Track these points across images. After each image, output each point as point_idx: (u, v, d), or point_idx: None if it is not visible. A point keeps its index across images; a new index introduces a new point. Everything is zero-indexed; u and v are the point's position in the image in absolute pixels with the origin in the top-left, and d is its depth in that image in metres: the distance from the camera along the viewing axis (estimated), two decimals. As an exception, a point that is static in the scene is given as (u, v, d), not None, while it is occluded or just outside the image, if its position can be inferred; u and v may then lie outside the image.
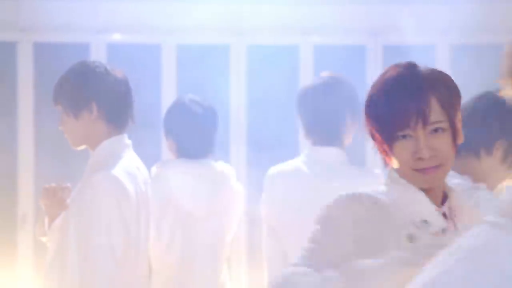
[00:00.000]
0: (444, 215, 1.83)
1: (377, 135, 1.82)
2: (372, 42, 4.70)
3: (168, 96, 4.62)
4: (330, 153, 3.05)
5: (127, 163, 2.76)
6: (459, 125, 1.86)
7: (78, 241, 2.61)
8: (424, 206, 1.80)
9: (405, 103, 1.77)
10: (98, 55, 4.57)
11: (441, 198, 1.87)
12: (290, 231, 3.00)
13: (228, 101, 4.63)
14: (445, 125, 1.79)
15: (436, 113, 1.78)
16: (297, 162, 3.10)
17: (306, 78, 4.30)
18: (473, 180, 2.38)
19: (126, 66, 3.39)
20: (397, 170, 1.84)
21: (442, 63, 4.68)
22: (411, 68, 1.86)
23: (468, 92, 2.54)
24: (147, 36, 4.71)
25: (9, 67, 4.66)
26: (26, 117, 4.66)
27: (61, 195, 2.76)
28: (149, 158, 3.16)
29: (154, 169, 3.34)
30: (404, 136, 1.77)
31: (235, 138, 4.69)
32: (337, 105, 3.05)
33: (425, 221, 1.78)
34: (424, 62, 4.69)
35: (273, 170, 3.15)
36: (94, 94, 2.77)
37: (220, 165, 3.41)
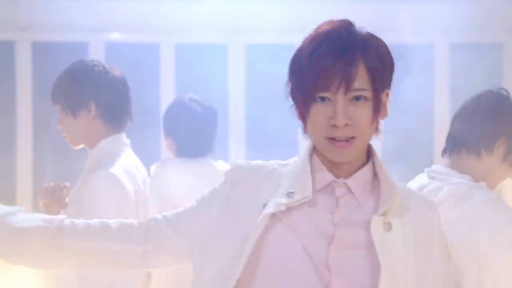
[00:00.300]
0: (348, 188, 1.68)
1: (297, 95, 1.67)
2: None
3: (167, 95, 4.61)
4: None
5: (125, 162, 2.76)
6: (385, 99, 1.69)
7: (77, 240, 2.61)
8: (302, 181, 1.67)
9: (331, 62, 1.61)
10: (96, 54, 4.56)
11: (359, 167, 1.71)
12: None
13: (227, 100, 4.63)
14: (368, 94, 1.63)
15: (361, 79, 1.62)
16: (297, 161, 3.09)
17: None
18: (474, 179, 2.38)
19: (125, 65, 3.39)
20: (314, 141, 1.70)
21: (441, 62, 4.68)
22: (346, 26, 1.67)
23: (467, 91, 2.54)
24: (146, 35, 4.71)
25: (8, 66, 4.66)
26: (25, 116, 4.65)
27: (59, 194, 2.76)
28: (149, 157, 3.15)
29: (153, 168, 3.34)
30: (322, 99, 1.62)
31: (234, 137, 4.68)
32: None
33: (292, 193, 1.66)
34: (423, 61, 4.70)
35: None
36: (92, 93, 2.76)
37: (219, 164, 3.40)
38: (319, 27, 1.67)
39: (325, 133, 1.63)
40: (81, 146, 2.82)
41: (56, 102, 2.79)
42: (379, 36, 1.72)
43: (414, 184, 2.49)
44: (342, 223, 1.64)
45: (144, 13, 4.65)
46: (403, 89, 4.51)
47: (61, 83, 2.79)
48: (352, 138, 1.63)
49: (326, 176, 1.68)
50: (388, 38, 5.23)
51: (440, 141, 2.52)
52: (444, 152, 2.47)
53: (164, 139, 3.52)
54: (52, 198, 2.76)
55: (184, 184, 3.24)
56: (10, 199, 4.64)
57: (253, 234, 1.61)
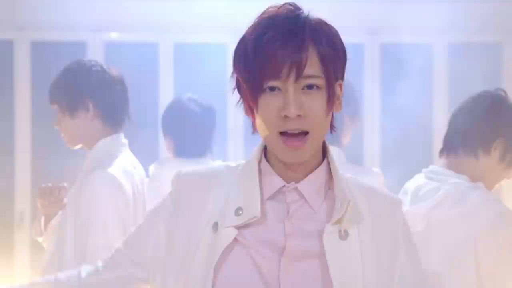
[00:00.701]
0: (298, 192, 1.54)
1: (243, 86, 1.51)
2: (370, 41, 4.70)
3: (165, 95, 4.61)
4: (329, 152, 3.04)
5: (123, 162, 2.75)
6: (338, 91, 1.55)
7: (75, 240, 2.61)
8: (250, 192, 1.53)
9: (278, 47, 1.46)
10: (95, 54, 4.56)
11: (314, 168, 1.56)
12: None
13: (225, 100, 4.62)
14: (321, 82, 1.48)
15: (313, 66, 1.47)
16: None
17: (304, 77, 4.29)
18: (471, 179, 2.38)
19: (124, 64, 3.38)
20: (264, 140, 1.54)
21: (439, 62, 4.68)
22: (293, 9, 1.52)
23: (465, 91, 2.53)
24: (145, 34, 4.70)
25: (6, 65, 4.65)
26: (23, 116, 4.65)
27: (57, 195, 2.75)
28: (147, 157, 3.15)
29: (151, 168, 3.34)
30: (272, 89, 1.47)
31: (233, 137, 4.68)
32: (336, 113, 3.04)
33: (240, 209, 1.51)
34: (421, 61, 4.69)
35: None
36: (90, 93, 2.76)
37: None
38: (263, 13, 1.53)
39: (276, 126, 1.48)
40: (79, 146, 2.81)
41: (54, 102, 2.79)
42: (332, 26, 1.55)
43: (411, 184, 2.49)
44: (293, 233, 1.50)
45: (143, 12, 4.65)
46: (401, 89, 4.51)
47: (59, 83, 2.79)
48: (306, 134, 1.48)
49: (275, 182, 1.54)
50: (387, 38, 5.24)
51: (439, 141, 2.52)
52: (441, 152, 2.47)
53: (163, 139, 3.52)
54: (50, 199, 2.76)
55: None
56: (8, 200, 4.64)
57: (210, 263, 1.49)
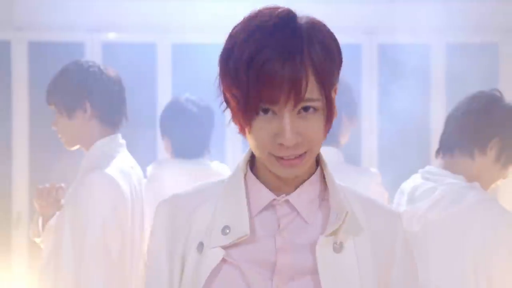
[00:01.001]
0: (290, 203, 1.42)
1: (232, 101, 1.36)
2: (368, 41, 4.70)
3: (163, 95, 4.61)
4: (327, 152, 3.02)
5: (121, 162, 2.75)
6: (334, 100, 1.40)
7: (72, 241, 2.61)
8: (237, 208, 1.41)
9: (277, 69, 1.29)
10: (93, 54, 4.56)
11: (307, 177, 1.44)
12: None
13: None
14: (318, 104, 1.33)
15: (311, 89, 1.32)
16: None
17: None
18: (467, 179, 2.38)
19: (121, 65, 3.39)
20: (256, 154, 1.40)
21: (437, 62, 4.68)
22: (288, 18, 1.34)
23: (463, 92, 2.54)
24: (143, 35, 4.70)
25: (4, 66, 4.65)
26: (20, 116, 4.65)
27: (55, 195, 2.75)
28: (145, 158, 3.15)
29: (149, 168, 3.34)
30: (265, 111, 1.32)
31: (231, 138, 4.68)
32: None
33: (227, 228, 1.39)
34: (419, 61, 4.69)
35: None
36: (87, 94, 2.76)
37: (216, 165, 3.40)
38: (253, 18, 1.36)
39: (272, 151, 1.35)
40: (76, 147, 2.81)
41: (51, 103, 2.79)
42: (321, 23, 1.39)
43: (408, 184, 2.50)
44: (285, 248, 1.38)
45: (141, 13, 4.65)
46: (399, 89, 4.51)
47: (56, 84, 2.79)
48: (303, 154, 1.35)
49: (264, 195, 1.41)
50: (384, 38, 5.25)
51: (436, 142, 2.53)
52: (437, 153, 2.47)
53: (161, 140, 3.52)
54: (48, 200, 2.76)
55: (180, 184, 3.23)
56: (6, 200, 4.64)
57: (196, 287, 1.39)
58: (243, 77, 1.31)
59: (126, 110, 2.85)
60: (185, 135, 3.35)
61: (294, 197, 1.41)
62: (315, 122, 1.34)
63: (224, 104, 1.41)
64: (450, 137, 2.44)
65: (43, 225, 2.79)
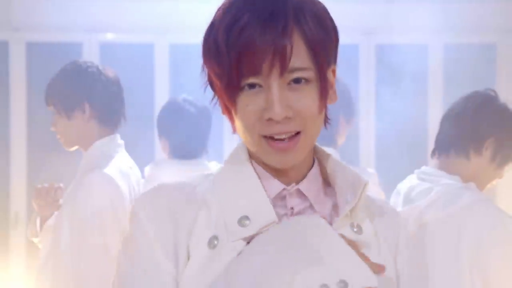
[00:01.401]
0: (301, 193, 1.31)
1: (216, 81, 1.25)
2: (365, 42, 4.70)
3: (161, 96, 4.61)
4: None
5: (120, 162, 2.76)
6: (332, 79, 1.29)
7: (71, 241, 2.61)
8: (253, 197, 1.27)
9: (257, 35, 1.18)
10: (91, 55, 4.56)
11: (308, 170, 1.32)
12: None
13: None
14: (311, 75, 1.22)
15: (300, 56, 1.20)
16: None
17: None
18: (463, 179, 2.39)
19: (119, 65, 3.39)
20: (245, 142, 1.29)
21: (434, 63, 4.69)
22: None
23: (460, 92, 2.54)
24: (140, 35, 4.71)
25: (2, 66, 4.65)
26: (18, 117, 4.65)
27: (54, 195, 2.76)
28: (143, 158, 3.15)
29: (147, 169, 3.34)
30: (251, 86, 1.21)
31: (229, 138, 4.68)
32: (330, 105, 3.05)
33: (245, 218, 1.25)
34: (416, 62, 4.69)
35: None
36: (86, 94, 2.76)
37: (214, 165, 3.40)
38: None
39: (261, 131, 1.23)
40: (75, 147, 2.82)
41: (50, 104, 2.79)
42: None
43: (404, 185, 2.50)
44: None
45: (138, 13, 4.65)
46: (397, 89, 4.52)
47: (55, 85, 2.79)
48: (297, 133, 1.23)
49: (273, 185, 1.29)
50: (382, 39, 5.26)
51: (433, 142, 2.53)
52: (433, 153, 2.48)
53: (158, 140, 3.52)
54: (46, 199, 2.76)
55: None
56: (4, 200, 4.64)
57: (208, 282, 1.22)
58: (222, 49, 1.20)
59: (124, 110, 2.85)
60: (183, 136, 3.35)
61: (304, 186, 1.30)
62: (307, 94, 1.22)
63: (209, 85, 1.29)
64: (446, 138, 2.45)
65: (41, 225, 2.79)
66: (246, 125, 1.24)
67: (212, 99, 1.31)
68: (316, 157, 1.35)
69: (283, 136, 1.23)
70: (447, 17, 4.57)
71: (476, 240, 2.25)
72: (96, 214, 2.59)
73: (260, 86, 1.21)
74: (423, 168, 2.47)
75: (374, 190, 3.00)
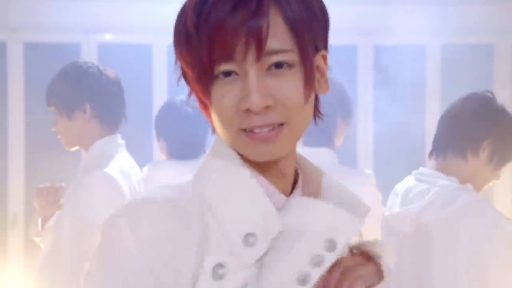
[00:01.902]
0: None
1: (188, 71, 1.11)
2: (364, 42, 4.71)
3: (159, 96, 4.62)
4: (321, 153, 3.05)
5: (121, 162, 2.76)
6: (322, 64, 1.13)
7: (71, 240, 2.61)
8: (257, 209, 1.09)
9: (228, 15, 1.04)
10: (89, 56, 4.56)
11: (294, 176, 1.18)
12: None
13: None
14: (293, 58, 1.07)
15: (279, 36, 1.05)
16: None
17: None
18: (460, 181, 2.39)
19: (117, 66, 3.39)
20: (225, 140, 1.12)
21: (433, 64, 4.69)
22: None
23: (458, 93, 2.55)
24: (138, 36, 4.71)
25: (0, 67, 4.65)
26: (16, 117, 4.65)
27: (55, 195, 2.76)
28: (141, 159, 3.15)
29: (145, 170, 3.35)
30: (226, 74, 1.06)
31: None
32: (328, 105, 3.05)
33: (251, 235, 1.07)
34: (414, 62, 4.70)
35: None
36: (87, 95, 2.77)
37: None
38: None
39: (239, 123, 1.07)
40: (76, 147, 2.82)
41: (51, 104, 2.80)
42: None
43: (401, 186, 2.51)
44: None
45: (136, 14, 4.65)
46: (395, 90, 4.52)
47: (55, 85, 2.79)
48: (278, 126, 1.07)
49: (273, 195, 1.13)
50: (380, 40, 5.26)
51: (431, 143, 2.54)
52: (431, 154, 2.48)
53: (156, 141, 3.52)
54: (48, 199, 2.76)
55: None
56: (2, 200, 4.64)
57: None
58: (192, 33, 1.07)
59: (125, 110, 2.86)
60: (181, 136, 3.36)
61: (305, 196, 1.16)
62: (290, 79, 1.07)
63: (182, 78, 1.15)
64: (443, 139, 2.45)
65: (43, 225, 2.80)
66: (222, 119, 1.08)
67: (189, 94, 1.15)
68: (300, 172, 1.20)
69: (264, 130, 1.07)
70: (444, 18, 4.57)
71: (473, 241, 2.25)
72: (96, 214, 2.59)
73: (237, 73, 1.06)
74: (421, 169, 2.48)
75: (371, 191, 3.01)
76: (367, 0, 4.60)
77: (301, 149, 3.19)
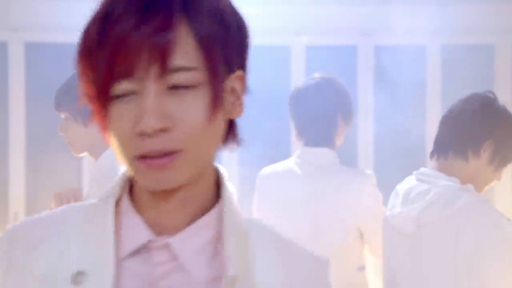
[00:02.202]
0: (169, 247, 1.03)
1: (87, 89, 1.02)
2: (364, 43, 4.71)
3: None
4: (322, 154, 3.06)
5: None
6: (238, 86, 1.03)
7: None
8: (99, 247, 1.02)
9: (132, 28, 0.96)
10: (89, 55, 4.56)
11: (196, 216, 1.05)
12: (281, 231, 3.01)
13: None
14: (198, 77, 0.97)
15: (186, 53, 0.97)
16: (289, 163, 3.11)
17: (298, 78, 4.31)
18: (461, 181, 2.40)
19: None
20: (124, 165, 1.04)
21: (432, 64, 4.69)
22: None
23: (459, 93, 2.55)
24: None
25: (0, 67, 4.65)
26: (17, 117, 4.65)
27: (75, 199, 2.73)
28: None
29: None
30: (125, 94, 0.98)
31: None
32: (329, 106, 3.06)
33: (81, 273, 1.01)
34: (415, 62, 4.71)
35: (265, 170, 3.16)
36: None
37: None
38: None
39: (132, 149, 0.97)
40: (84, 154, 2.78)
41: (63, 110, 2.72)
42: None
43: (402, 186, 2.51)
44: None
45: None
46: (395, 90, 4.52)
47: (70, 90, 2.69)
48: (172, 153, 0.97)
49: (139, 232, 1.03)
50: (380, 40, 5.27)
51: (431, 144, 2.54)
52: (432, 155, 2.49)
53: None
54: (70, 204, 2.74)
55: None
56: (2, 202, 4.64)
57: None
58: (94, 47, 0.98)
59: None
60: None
61: (177, 241, 1.03)
62: (191, 100, 0.97)
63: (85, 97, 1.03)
64: (444, 139, 2.45)
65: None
66: (118, 144, 0.98)
67: (90, 118, 1.04)
68: (223, 199, 1.08)
69: (156, 154, 0.97)
70: (445, 18, 4.58)
71: (473, 242, 2.25)
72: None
73: (135, 93, 0.97)
74: (422, 169, 2.48)
75: (371, 191, 3.01)
76: (367, 0, 4.60)
77: (302, 149, 3.22)
